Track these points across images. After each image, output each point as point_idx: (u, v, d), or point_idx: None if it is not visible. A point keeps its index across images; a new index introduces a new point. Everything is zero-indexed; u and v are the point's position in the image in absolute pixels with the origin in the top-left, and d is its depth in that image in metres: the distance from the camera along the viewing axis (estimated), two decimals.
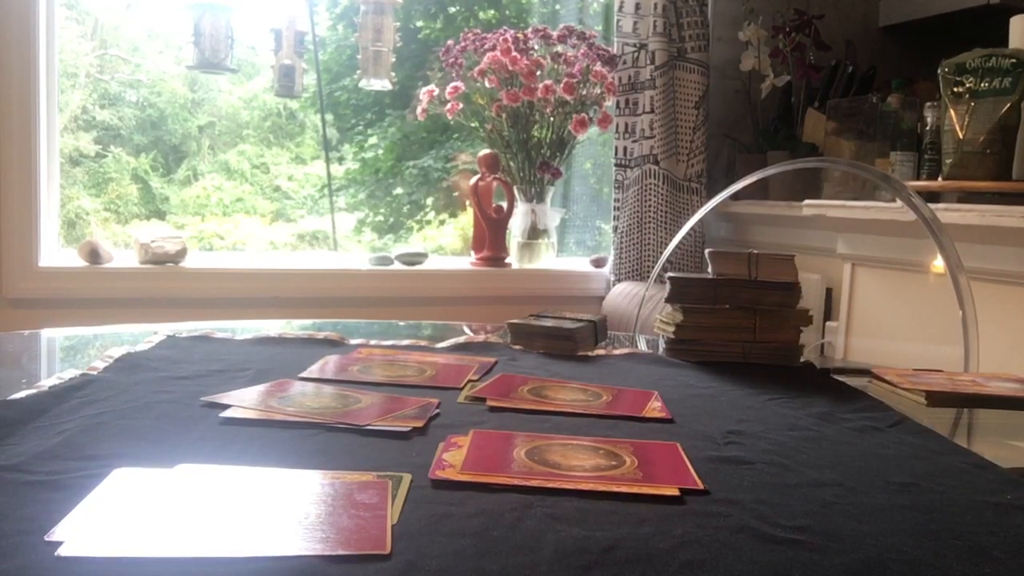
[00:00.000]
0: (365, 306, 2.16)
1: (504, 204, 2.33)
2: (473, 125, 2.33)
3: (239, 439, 0.61)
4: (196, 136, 2.73)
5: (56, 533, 0.43)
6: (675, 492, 0.53)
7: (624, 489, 0.53)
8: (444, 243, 2.84)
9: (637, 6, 2.26)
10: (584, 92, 2.24)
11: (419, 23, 2.76)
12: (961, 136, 1.64)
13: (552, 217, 2.38)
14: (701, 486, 0.54)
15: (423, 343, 1.03)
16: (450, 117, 2.26)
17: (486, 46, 2.22)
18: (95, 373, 0.79)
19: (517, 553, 0.43)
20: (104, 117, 2.56)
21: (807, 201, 1.99)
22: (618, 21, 2.30)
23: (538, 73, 2.20)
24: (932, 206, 1.36)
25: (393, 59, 2.29)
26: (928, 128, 1.85)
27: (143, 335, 1.00)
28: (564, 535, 0.46)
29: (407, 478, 0.53)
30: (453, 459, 0.56)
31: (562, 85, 2.18)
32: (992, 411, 0.85)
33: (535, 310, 1.10)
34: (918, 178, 1.87)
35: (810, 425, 0.73)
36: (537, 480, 0.53)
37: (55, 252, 2.12)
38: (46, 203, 2.06)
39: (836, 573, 0.43)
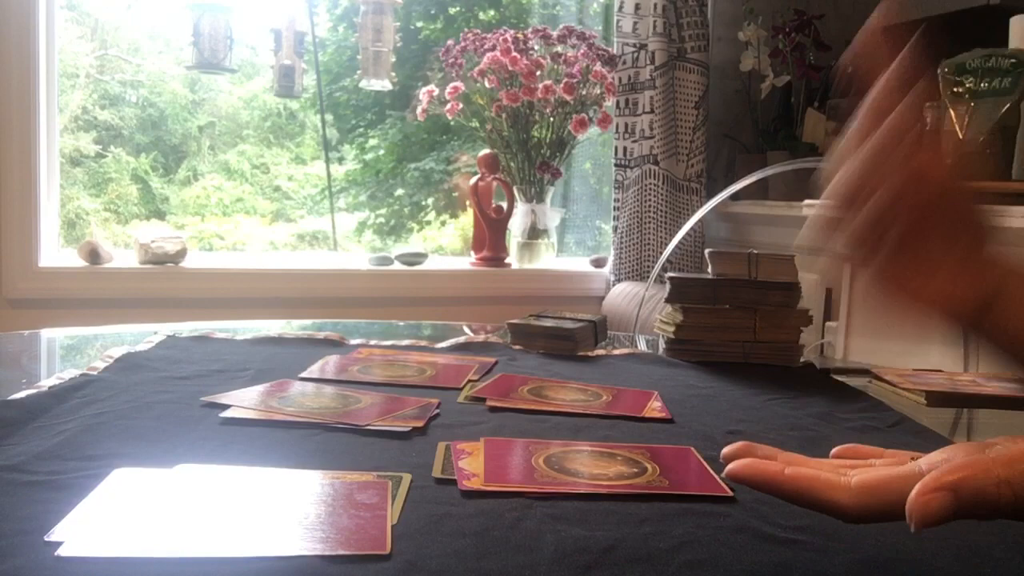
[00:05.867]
0: (365, 306, 2.16)
1: (504, 204, 2.33)
2: (473, 125, 2.33)
3: (239, 439, 0.61)
4: (196, 136, 2.73)
5: (56, 533, 0.43)
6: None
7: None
8: (444, 243, 2.84)
9: (637, 6, 2.26)
10: (584, 92, 2.24)
11: (419, 23, 2.76)
12: (961, 136, 1.64)
13: (552, 217, 2.38)
14: (730, 492, 0.54)
15: (423, 343, 1.03)
16: (450, 117, 2.26)
17: (486, 46, 2.22)
18: (95, 373, 0.79)
19: (517, 553, 0.43)
20: (104, 117, 2.56)
21: (807, 201, 1.98)
22: (618, 21, 2.30)
23: (538, 73, 2.20)
24: None
25: (393, 59, 2.29)
26: (928, 128, 1.85)
27: (143, 335, 1.00)
28: (564, 535, 0.46)
29: (407, 478, 0.53)
30: (471, 467, 0.56)
31: (562, 85, 2.18)
32: (992, 411, 0.85)
33: (535, 310, 1.10)
34: None
35: (810, 425, 0.73)
36: (566, 488, 0.53)
37: (55, 252, 2.12)
38: (46, 203, 2.06)
39: (836, 573, 0.43)
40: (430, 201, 2.84)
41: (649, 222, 2.28)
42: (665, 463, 0.59)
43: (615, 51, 2.29)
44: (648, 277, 2.11)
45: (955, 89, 1.67)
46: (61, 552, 0.41)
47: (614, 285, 2.31)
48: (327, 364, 0.88)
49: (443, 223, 2.87)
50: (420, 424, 0.66)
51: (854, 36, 0.51)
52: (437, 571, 0.41)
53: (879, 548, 0.46)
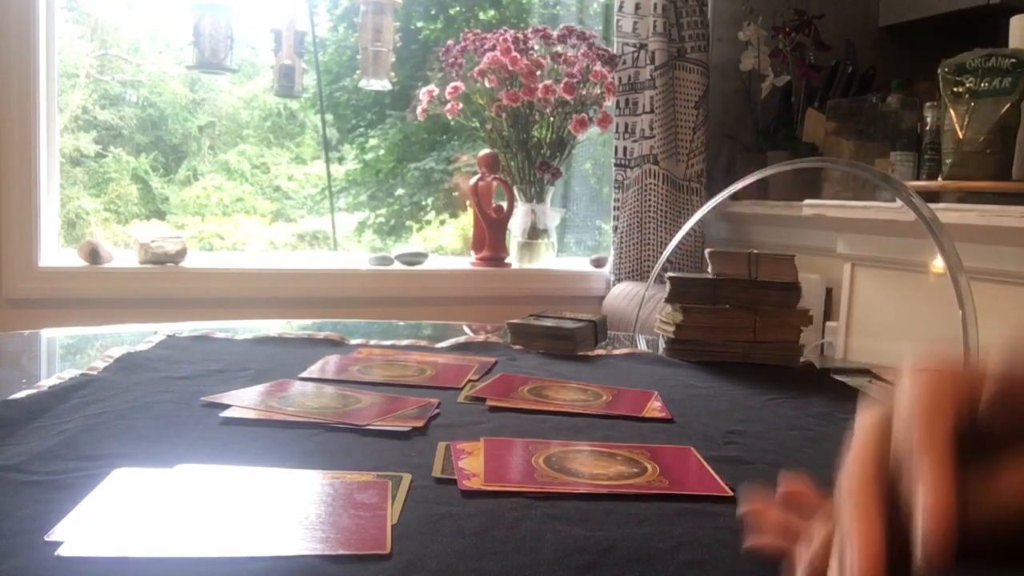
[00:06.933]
0: (365, 306, 2.16)
1: (504, 204, 2.33)
2: (473, 125, 2.33)
3: (239, 439, 0.61)
4: (196, 136, 2.72)
5: (56, 533, 0.43)
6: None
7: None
8: (444, 243, 2.84)
9: (637, 6, 2.26)
10: (584, 92, 2.24)
11: (419, 23, 2.76)
12: (961, 136, 1.64)
13: (552, 217, 2.38)
14: (730, 493, 0.54)
15: (423, 343, 1.03)
16: (450, 117, 2.26)
17: (486, 46, 2.22)
18: (95, 373, 0.79)
19: (517, 553, 0.43)
20: (105, 117, 2.56)
21: (807, 201, 1.98)
22: (618, 21, 2.30)
23: (538, 73, 2.20)
24: (932, 206, 1.36)
25: (393, 59, 2.29)
26: (928, 128, 1.85)
27: (143, 335, 0.99)
28: (564, 535, 0.46)
29: (407, 478, 0.53)
30: (471, 467, 0.56)
31: (562, 85, 2.18)
32: None
33: (535, 310, 1.10)
34: (918, 178, 1.86)
35: (810, 425, 0.73)
36: (566, 488, 0.53)
37: (55, 252, 2.12)
38: (46, 203, 2.06)
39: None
40: (430, 201, 2.84)
41: (649, 222, 2.28)
42: (665, 463, 0.59)
43: (615, 51, 2.29)
44: (648, 277, 2.11)
45: (955, 89, 1.67)
46: (61, 552, 0.41)
47: (614, 285, 2.31)
48: (327, 364, 0.88)
49: (443, 223, 2.87)
50: (420, 424, 0.66)
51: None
52: (437, 571, 0.41)
53: None
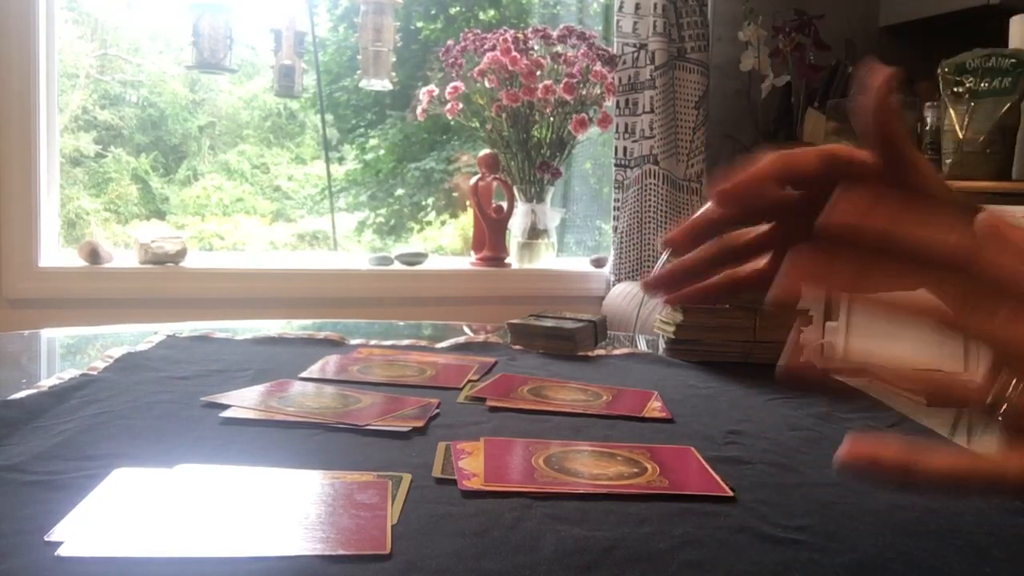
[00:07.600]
0: (365, 306, 2.16)
1: (504, 204, 2.33)
2: (473, 125, 2.33)
3: (239, 439, 0.61)
4: (196, 136, 2.72)
5: (56, 533, 0.43)
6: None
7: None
8: (444, 243, 2.84)
9: (637, 6, 2.26)
10: (584, 92, 2.24)
11: (419, 23, 2.76)
12: (961, 136, 1.65)
13: (552, 217, 2.38)
14: (729, 492, 0.54)
15: (423, 343, 1.03)
16: (450, 117, 2.26)
17: (486, 46, 2.22)
18: (95, 373, 0.79)
19: (517, 553, 0.43)
20: (104, 117, 2.56)
21: None
22: (618, 21, 2.30)
23: (538, 73, 2.20)
24: None
25: (393, 59, 2.29)
26: (928, 128, 1.85)
27: (143, 335, 0.99)
28: (564, 535, 0.46)
29: (407, 478, 0.53)
30: (471, 467, 0.56)
31: (562, 85, 2.18)
32: None
33: (535, 310, 1.10)
34: None
35: (810, 425, 0.73)
36: (566, 488, 0.53)
37: (55, 252, 2.12)
38: (46, 203, 2.06)
39: (836, 573, 0.43)
40: (430, 201, 2.84)
41: (649, 222, 2.28)
42: (665, 463, 0.59)
43: (615, 51, 2.29)
44: None
45: (955, 89, 1.67)
46: (61, 552, 0.41)
47: (614, 285, 2.31)
48: (327, 364, 0.88)
49: (443, 223, 2.87)
50: (420, 424, 0.66)
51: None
52: (437, 571, 0.41)
53: (879, 548, 0.46)
